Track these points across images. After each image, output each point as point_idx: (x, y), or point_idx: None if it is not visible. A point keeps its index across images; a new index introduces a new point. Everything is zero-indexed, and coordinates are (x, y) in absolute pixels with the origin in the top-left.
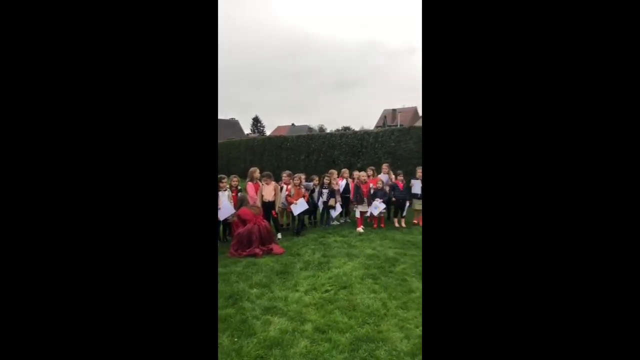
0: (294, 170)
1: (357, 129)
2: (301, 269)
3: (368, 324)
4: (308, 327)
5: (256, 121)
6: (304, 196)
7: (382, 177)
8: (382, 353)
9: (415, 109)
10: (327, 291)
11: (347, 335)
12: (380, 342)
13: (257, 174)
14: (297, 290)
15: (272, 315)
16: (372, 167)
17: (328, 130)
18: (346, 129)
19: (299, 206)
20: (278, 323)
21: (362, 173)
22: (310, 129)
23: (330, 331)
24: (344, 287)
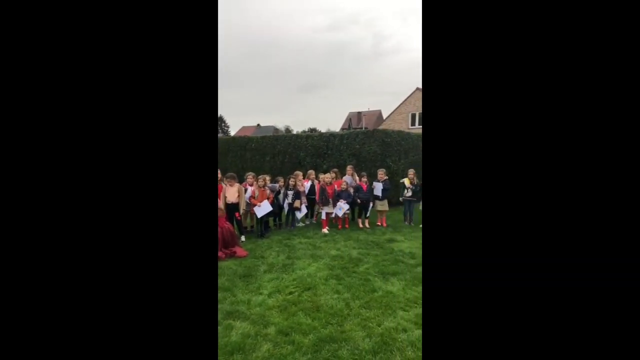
0: (259, 171)
1: (323, 130)
2: (265, 272)
3: (331, 324)
4: (271, 330)
5: (220, 121)
6: (268, 198)
7: (347, 178)
8: (344, 353)
9: (379, 112)
10: (291, 293)
11: (311, 336)
12: (343, 342)
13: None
14: (260, 293)
15: (234, 320)
16: (336, 169)
17: (295, 132)
18: (312, 130)
19: (263, 208)
20: (240, 327)
21: (328, 175)
22: (276, 129)
23: (293, 333)
24: (308, 289)
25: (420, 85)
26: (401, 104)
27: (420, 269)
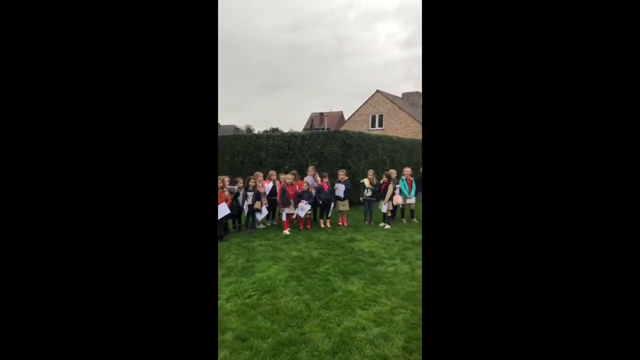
0: (219, 172)
1: (286, 130)
2: (223, 276)
3: (291, 326)
4: (228, 336)
5: None
6: (226, 200)
7: (308, 179)
8: (303, 355)
9: (341, 114)
10: (250, 297)
11: (269, 340)
12: (302, 344)
13: None
14: (218, 298)
15: None
16: (294, 172)
17: (256, 131)
18: (275, 130)
19: (219, 211)
20: None
21: (288, 175)
22: (237, 129)
23: (251, 338)
24: (268, 291)
25: (380, 88)
26: (362, 105)
27: (379, 267)
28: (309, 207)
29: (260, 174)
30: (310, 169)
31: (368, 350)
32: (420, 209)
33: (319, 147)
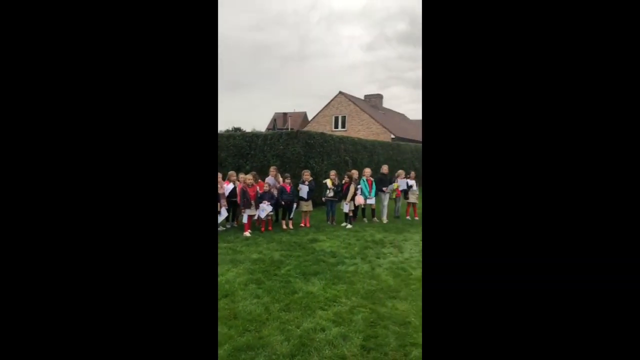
0: None
1: (249, 130)
2: None
3: (249, 331)
4: None
5: None
6: None
7: (269, 180)
8: (261, 359)
9: (305, 114)
10: None
11: (226, 346)
12: (260, 349)
13: None
14: None
15: None
16: (254, 172)
17: (218, 131)
18: (237, 129)
19: None
20: None
21: (249, 176)
22: None
23: None
24: (226, 296)
25: (342, 89)
26: (325, 106)
27: (340, 267)
28: (270, 208)
29: (219, 175)
30: (272, 169)
31: (327, 351)
32: (418, 206)
33: (281, 147)
